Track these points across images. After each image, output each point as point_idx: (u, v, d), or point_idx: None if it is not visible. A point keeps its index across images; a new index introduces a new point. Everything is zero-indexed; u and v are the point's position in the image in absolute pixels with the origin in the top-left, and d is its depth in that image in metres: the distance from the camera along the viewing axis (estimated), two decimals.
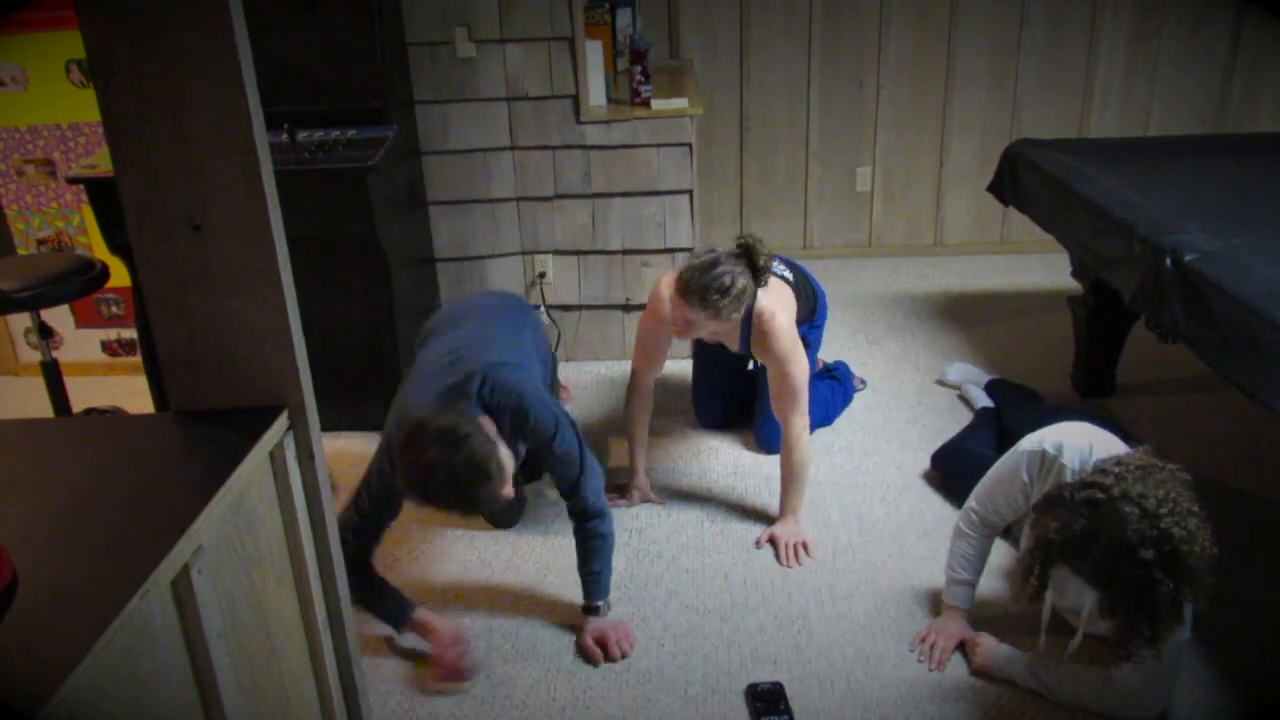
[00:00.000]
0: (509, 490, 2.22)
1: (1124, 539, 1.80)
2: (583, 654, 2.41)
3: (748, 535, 2.81)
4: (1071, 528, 1.86)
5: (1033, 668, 2.22)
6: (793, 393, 2.72)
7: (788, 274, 3.02)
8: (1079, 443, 2.13)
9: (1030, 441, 2.21)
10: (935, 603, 2.50)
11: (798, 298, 2.99)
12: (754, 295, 2.65)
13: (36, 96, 3.65)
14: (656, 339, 2.87)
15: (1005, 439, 2.66)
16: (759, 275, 2.63)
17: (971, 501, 2.36)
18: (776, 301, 2.78)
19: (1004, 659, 2.28)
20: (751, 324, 2.75)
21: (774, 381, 2.77)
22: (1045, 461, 2.16)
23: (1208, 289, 2.34)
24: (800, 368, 2.73)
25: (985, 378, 3.43)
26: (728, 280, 2.53)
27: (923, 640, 2.38)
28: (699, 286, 2.54)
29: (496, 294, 3.19)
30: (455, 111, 3.49)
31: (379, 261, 3.15)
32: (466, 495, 2.11)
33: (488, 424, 2.22)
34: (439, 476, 2.06)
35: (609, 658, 2.38)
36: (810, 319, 3.08)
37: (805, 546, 2.72)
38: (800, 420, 2.74)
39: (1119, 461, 1.92)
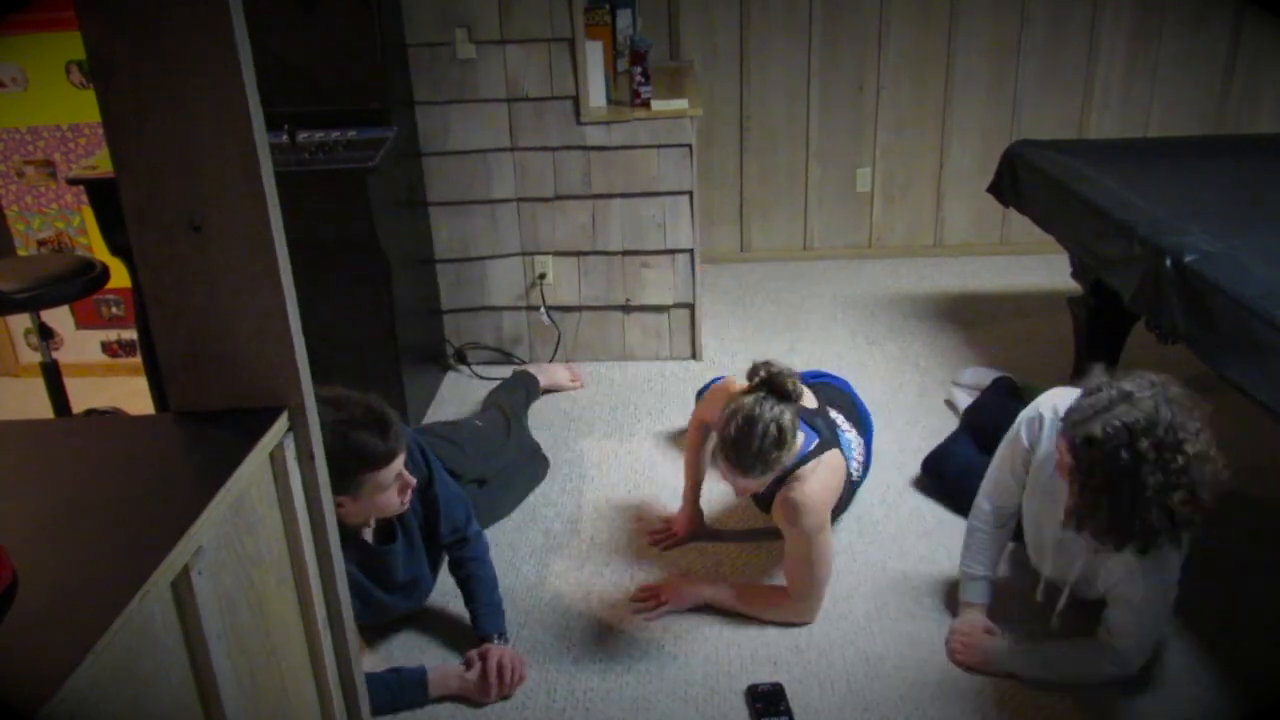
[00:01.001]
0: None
1: (1132, 422, 1.91)
2: (469, 692, 2.28)
3: (747, 536, 2.81)
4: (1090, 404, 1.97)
5: (1028, 653, 2.27)
6: (808, 575, 2.42)
7: (849, 434, 2.68)
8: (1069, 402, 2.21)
9: (1026, 412, 2.29)
10: (935, 604, 2.50)
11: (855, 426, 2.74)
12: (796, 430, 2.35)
13: (36, 97, 3.66)
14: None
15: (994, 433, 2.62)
16: (790, 400, 2.33)
17: (979, 498, 2.40)
18: (817, 469, 2.44)
19: (1003, 654, 2.29)
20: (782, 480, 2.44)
21: (791, 559, 2.46)
22: (1043, 425, 2.23)
23: (1208, 290, 2.34)
24: (824, 553, 2.42)
25: (993, 375, 3.38)
26: (774, 429, 2.27)
27: (949, 644, 2.36)
28: (755, 458, 2.29)
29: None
30: (455, 112, 3.49)
31: (379, 262, 3.15)
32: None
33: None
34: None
35: (502, 689, 2.28)
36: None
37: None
38: (806, 609, 2.46)
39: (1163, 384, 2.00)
